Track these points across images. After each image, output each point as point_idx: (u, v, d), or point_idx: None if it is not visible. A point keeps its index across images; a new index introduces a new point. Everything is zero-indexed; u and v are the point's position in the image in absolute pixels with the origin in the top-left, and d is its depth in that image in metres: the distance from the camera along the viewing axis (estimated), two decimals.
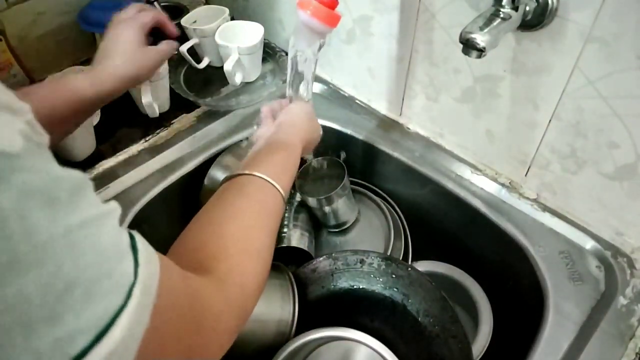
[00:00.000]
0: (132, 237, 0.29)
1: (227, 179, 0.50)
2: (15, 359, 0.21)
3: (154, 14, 0.64)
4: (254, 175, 0.49)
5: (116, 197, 0.69)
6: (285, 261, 0.73)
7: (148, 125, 0.79)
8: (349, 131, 0.82)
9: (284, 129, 0.59)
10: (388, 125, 0.82)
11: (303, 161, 0.79)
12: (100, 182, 0.70)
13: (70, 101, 0.55)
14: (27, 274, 0.21)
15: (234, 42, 0.80)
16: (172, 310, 0.31)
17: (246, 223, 0.44)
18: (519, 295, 0.69)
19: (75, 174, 0.26)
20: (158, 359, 0.30)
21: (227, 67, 0.78)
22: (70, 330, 0.22)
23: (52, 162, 0.24)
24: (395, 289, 0.64)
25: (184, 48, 0.80)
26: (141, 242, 0.29)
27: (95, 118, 0.75)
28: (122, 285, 0.26)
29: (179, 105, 0.83)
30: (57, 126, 0.56)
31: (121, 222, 0.28)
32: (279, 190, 0.49)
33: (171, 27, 0.67)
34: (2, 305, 0.20)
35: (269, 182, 0.48)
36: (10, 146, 0.22)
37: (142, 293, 0.27)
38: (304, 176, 0.79)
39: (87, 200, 0.25)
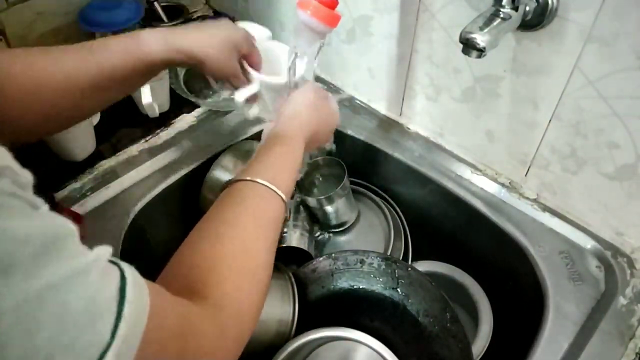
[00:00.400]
0: (122, 277, 0.27)
1: (226, 185, 0.48)
2: None
3: (253, 47, 0.59)
4: (252, 181, 0.46)
5: (116, 197, 0.69)
6: (285, 261, 0.73)
7: (148, 125, 0.79)
8: (349, 131, 0.82)
9: (283, 120, 0.55)
10: (388, 125, 0.82)
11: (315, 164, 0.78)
12: (100, 182, 0.70)
13: (140, 64, 0.51)
14: None
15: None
16: (163, 351, 0.29)
17: (244, 238, 0.42)
18: (519, 295, 0.68)
19: (50, 224, 0.23)
20: None
21: (239, 98, 0.60)
22: None
23: (20, 219, 0.22)
24: (395, 289, 0.64)
25: (241, 97, 0.59)
26: (131, 281, 0.27)
27: (95, 118, 0.75)
28: (91, 352, 0.23)
29: (179, 105, 0.83)
30: (119, 85, 0.52)
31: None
32: (279, 194, 0.47)
33: (257, 61, 0.60)
34: None
35: (268, 187, 0.46)
36: None
37: (118, 352, 0.24)
38: (304, 176, 0.79)
39: (61, 256, 0.23)
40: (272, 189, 0.46)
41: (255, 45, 0.59)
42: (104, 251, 0.27)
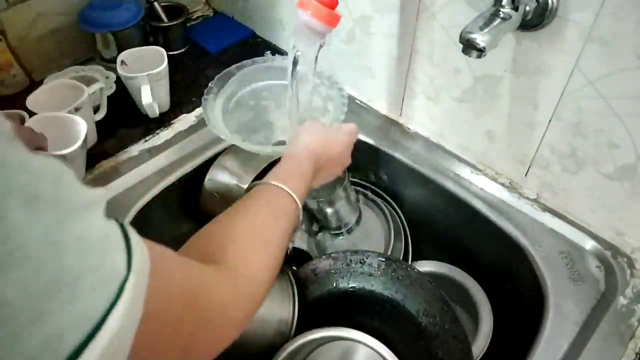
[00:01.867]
0: (121, 226, 0.28)
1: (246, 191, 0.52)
2: None
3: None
4: (266, 184, 0.51)
5: (116, 197, 0.69)
6: (286, 261, 0.73)
7: (148, 125, 0.79)
8: None
9: (291, 146, 0.60)
10: (388, 125, 0.82)
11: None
12: (100, 182, 0.70)
13: None
14: (3, 276, 0.20)
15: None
16: (169, 301, 0.30)
17: (257, 220, 0.46)
18: (519, 295, 0.68)
19: (54, 162, 0.24)
20: (156, 351, 0.29)
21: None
22: (58, 329, 0.21)
23: (28, 153, 0.23)
24: (395, 289, 0.64)
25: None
26: (131, 230, 0.28)
27: (100, 114, 0.75)
28: (112, 279, 0.25)
29: (179, 105, 0.83)
30: None
31: (122, 220, 0.28)
32: (289, 193, 0.50)
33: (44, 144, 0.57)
34: None
35: (281, 187, 0.50)
36: None
37: (135, 286, 0.25)
38: None
39: (70, 191, 0.24)
40: (284, 189, 0.50)
41: (29, 130, 0.57)
42: (102, 192, 0.28)
